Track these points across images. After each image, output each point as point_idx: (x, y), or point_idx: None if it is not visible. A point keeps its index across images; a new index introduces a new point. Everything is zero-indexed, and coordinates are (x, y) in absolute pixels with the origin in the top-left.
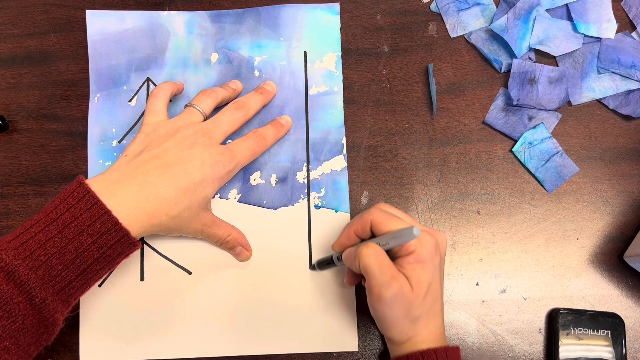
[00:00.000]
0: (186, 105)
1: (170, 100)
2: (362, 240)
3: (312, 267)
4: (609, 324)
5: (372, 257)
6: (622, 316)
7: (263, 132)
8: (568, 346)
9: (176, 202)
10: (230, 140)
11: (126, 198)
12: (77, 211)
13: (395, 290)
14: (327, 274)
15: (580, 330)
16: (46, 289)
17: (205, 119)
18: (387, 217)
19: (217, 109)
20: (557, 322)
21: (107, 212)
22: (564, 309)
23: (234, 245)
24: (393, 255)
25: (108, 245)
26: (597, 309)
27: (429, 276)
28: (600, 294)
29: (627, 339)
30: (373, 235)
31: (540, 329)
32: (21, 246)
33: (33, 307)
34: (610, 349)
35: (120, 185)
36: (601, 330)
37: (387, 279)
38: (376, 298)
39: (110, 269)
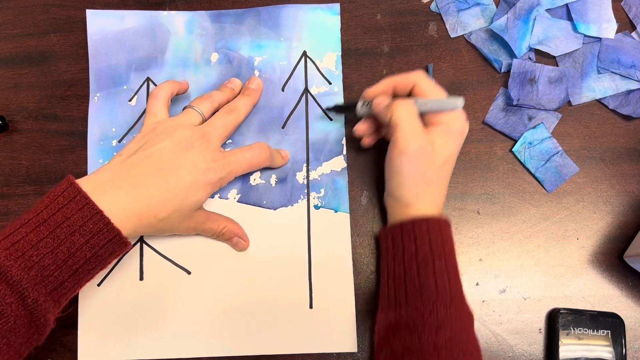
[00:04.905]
0: (185, 107)
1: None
2: (395, 96)
3: (328, 107)
4: (609, 324)
5: (407, 112)
6: (622, 316)
7: (268, 148)
8: (568, 346)
9: (166, 204)
10: (232, 147)
11: (116, 199)
12: (69, 211)
13: (421, 144)
14: (326, 275)
15: (580, 330)
16: (38, 289)
17: (203, 122)
18: (432, 85)
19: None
20: (557, 322)
21: (99, 213)
22: (564, 309)
23: (231, 237)
24: (424, 123)
25: (100, 245)
26: (597, 309)
27: (451, 148)
28: (600, 294)
29: (627, 339)
30: (408, 96)
31: (540, 329)
32: (12, 246)
33: (25, 307)
34: (610, 349)
35: (110, 186)
36: (601, 330)
37: (415, 134)
38: (400, 151)
39: (102, 268)
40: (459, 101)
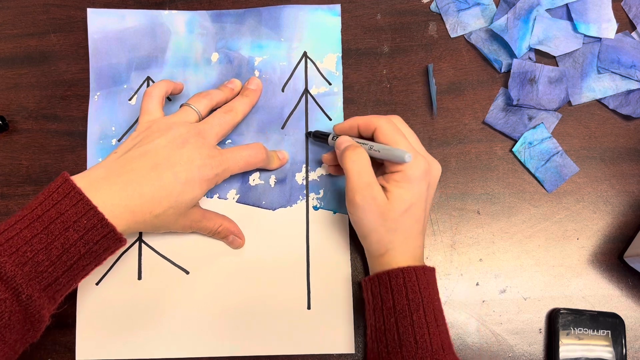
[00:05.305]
0: (182, 105)
1: (170, 99)
2: (361, 136)
3: (309, 133)
4: (609, 324)
5: (356, 162)
6: (622, 316)
7: (264, 149)
8: (568, 346)
9: (161, 201)
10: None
11: (110, 195)
12: (63, 207)
13: (365, 197)
14: (324, 276)
15: (580, 330)
16: (33, 285)
17: (200, 120)
18: (393, 131)
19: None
20: (557, 322)
21: (93, 208)
22: (564, 309)
23: (226, 235)
24: (384, 168)
25: (94, 241)
26: (597, 309)
27: (410, 196)
28: (600, 294)
29: (627, 339)
30: (372, 137)
31: (540, 329)
32: (6, 242)
33: (19, 303)
34: (610, 349)
35: (105, 182)
36: (601, 330)
37: (361, 186)
38: (349, 201)
39: (97, 265)
40: (407, 156)
